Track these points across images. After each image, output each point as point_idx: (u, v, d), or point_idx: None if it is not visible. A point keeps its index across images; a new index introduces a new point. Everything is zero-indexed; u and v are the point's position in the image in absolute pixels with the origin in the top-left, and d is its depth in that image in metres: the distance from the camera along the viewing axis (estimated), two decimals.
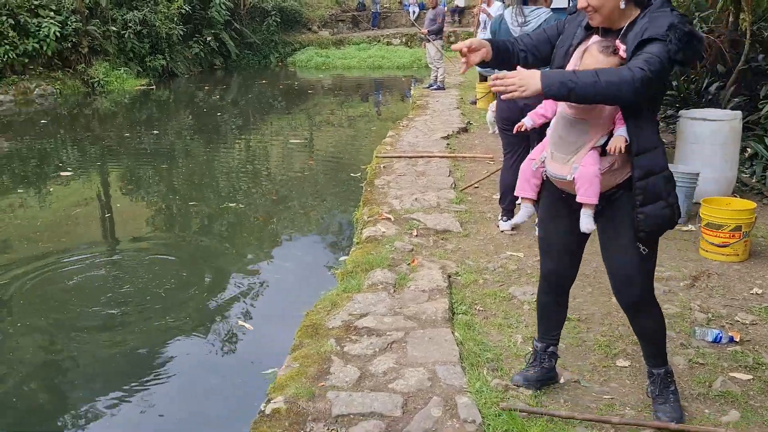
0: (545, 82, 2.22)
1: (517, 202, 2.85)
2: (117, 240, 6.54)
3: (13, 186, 8.46)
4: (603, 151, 2.48)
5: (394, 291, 3.96)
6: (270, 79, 20.42)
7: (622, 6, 2.37)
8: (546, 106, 2.69)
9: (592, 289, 4.02)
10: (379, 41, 23.94)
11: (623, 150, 2.39)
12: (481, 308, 3.81)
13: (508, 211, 5.00)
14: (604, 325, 3.60)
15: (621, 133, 2.40)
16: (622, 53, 2.34)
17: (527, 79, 2.23)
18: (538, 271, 4.13)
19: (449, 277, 4.18)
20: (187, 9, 20.20)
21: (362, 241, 4.92)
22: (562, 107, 2.53)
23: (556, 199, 2.68)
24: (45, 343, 4.27)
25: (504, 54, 2.56)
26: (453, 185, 6.16)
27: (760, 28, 7.57)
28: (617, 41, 2.39)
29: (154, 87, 18.12)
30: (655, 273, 4.16)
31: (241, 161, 10.11)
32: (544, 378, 2.97)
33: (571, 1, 4.94)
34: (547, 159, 2.60)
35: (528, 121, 2.74)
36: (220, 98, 17.01)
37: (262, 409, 2.82)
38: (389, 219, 5.26)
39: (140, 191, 8.38)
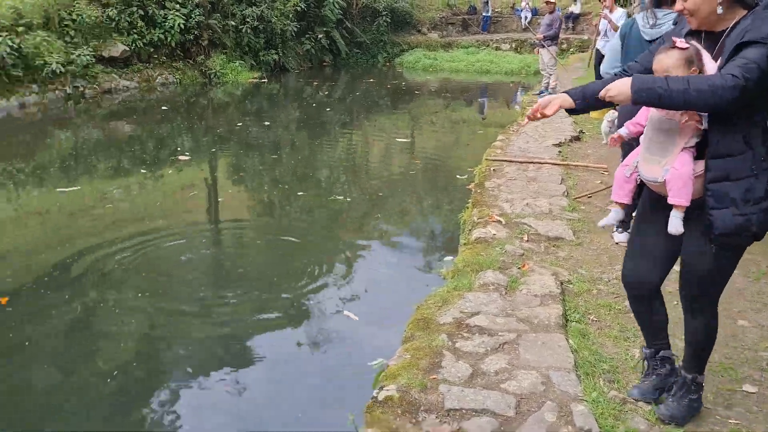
0: (635, 87, 2.24)
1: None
2: (225, 224, 6.81)
3: (133, 168, 8.99)
4: (699, 155, 2.43)
5: (506, 293, 3.92)
6: (377, 78, 20.69)
7: (720, 11, 2.31)
8: (641, 115, 2.65)
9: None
10: (488, 46, 23.75)
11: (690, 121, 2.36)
12: (595, 318, 3.70)
13: (625, 223, 4.84)
14: (729, 348, 3.42)
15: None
16: (680, 45, 2.33)
17: (621, 86, 2.28)
18: None
19: (562, 284, 4.09)
20: (302, 7, 20.79)
21: (471, 242, 4.89)
22: (653, 109, 2.50)
23: (650, 204, 2.66)
24: (148, 320, 4.49)
25: (595, 96, 2.47)
26: (565, 193, 6.02)
27: None
28: (674, 37, 2.39)
29: (265, 80, 18.78)
30: None
31: (346, 156, 10.31)
32: (661, 386, 2.88)
33: None
34: (640, 162, 2.57)
35: (624, 131, 2.73)
36: (327, 94, 17.39)
37: (375, 395, 2.86)
38: (500, 222, 5.21)
39: (250, 179, 8.70)
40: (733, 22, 2.33)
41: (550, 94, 12.26)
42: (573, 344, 3.32)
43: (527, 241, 4.86)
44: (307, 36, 21.71)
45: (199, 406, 3.51)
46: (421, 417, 2.69)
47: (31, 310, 4.56)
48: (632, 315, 3.70)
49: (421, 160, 9.85)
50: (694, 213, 2.46)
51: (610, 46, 5.38)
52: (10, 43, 12.90)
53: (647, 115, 2.58)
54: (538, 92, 12.84)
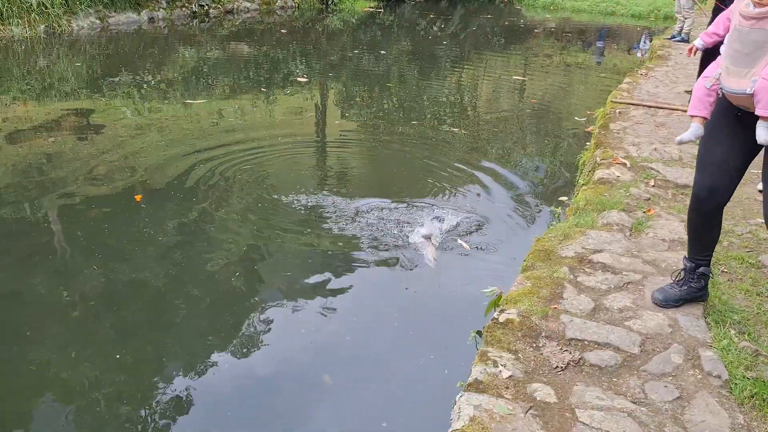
0: None
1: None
2: (341, 140, 6.91)
3: (252, 86, 9.23)
4: None
5: (630, 234, 3.79)
6: (494, 14, 20.07)
7: None
8: (718, 24, 2.52)
9: None
10: None
11: None
12: (725, 270, 3.53)
13: None
14: None
15: None
16: None
17: None
18: None
19: None
20: None
21: (594, 182, 4.73)
22: (738, 19, 2.39)
23: (727, 117, 2.60)
24: (253, 231, 4.64)
25: None
26: (699, 140, 5.67)
27: None
28: None
29: (381, 10, 18.61)
30: None
31: (459, 91, 10.14)
32: (688, 297, 2.95)
33: None
34: (723, 75, 2.48)
35: (699, 42, 2.65)
36: (442, 28, 17.06)
37: (496, 317, 2.87)
38: (624, 164, 5.00)
39: (366, 106, 8.74)
40: None
41: (682, 40, 11.50)
42: None
43: (654, 186, 4.65)
44: None
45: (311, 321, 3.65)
46: (541, 343, 2.69)
47: (160, 209, 4.86)
48: (766, 271, 3.55)
49: (537, 99, 9.55)
50: None
51: None
52: None
53: (724, 24, 2.49)
54: (669, 37, 12.05)
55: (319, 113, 8.17)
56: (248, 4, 16.43)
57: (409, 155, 6.40)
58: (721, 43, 2.60)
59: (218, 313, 3.61)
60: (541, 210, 5.19)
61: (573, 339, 2.71)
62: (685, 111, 6.66)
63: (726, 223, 4.12)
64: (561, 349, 2.65)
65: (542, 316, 2.87)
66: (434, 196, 5.25)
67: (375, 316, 3.64)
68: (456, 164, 6.10)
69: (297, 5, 17.57)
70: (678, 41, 11.60)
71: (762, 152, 2.63)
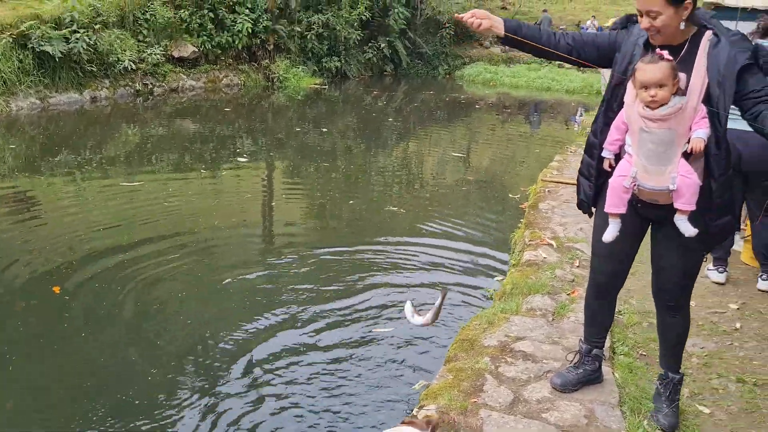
0: None
1: None
2: (275, 229, 6.92)
3: (193, 166, 9.25)
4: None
5: (553, 319, 3.87)
6: (436, 90, 20.73)
7: (682, 27, 2.48)
8: (620, 129, 2.66)
9: None
10: (550, 62, 23.49)
11: (701, 149, 2.45)
12: (644, 353, 3.63)
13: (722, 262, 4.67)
14: None
15: (700, 134, 2.45)
16: (667, 56, 2.44)
17: None
18: (710, 322, 3.92)
19: None
20: (367, 15, 21.02)
21: (521, 264, 4.85)
22: (643, 123, 2.53)
23: (628, 208, 2.71)
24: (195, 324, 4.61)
25: (531, 37, 2.69)
26: None
27: None
28: (658, 50, 2.48)
29: (326, 87, 19.04)
30: None
31: (401, 167, 10.36)
32: (584, 380, 3.08)
33: None
34: (641, 173, 2.59)
35: (609, 154, 2.72)
36: (386, 104, 17.51)
37: (414, 413, 2.86)
38: (551, 245, 5.15)
39: (307, 185, 8.83)
40: (686, 38, 2.52)
41: None
42: (619, 378, 3.26)
43: (578, 266, 4.79)
44: (369, 44, 21.93)
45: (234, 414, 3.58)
46: None
47: (82, 300, 4.75)
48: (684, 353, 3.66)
49: (475, 175, 9.82)
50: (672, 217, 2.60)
51: None
52: (87, 40, 13.44)
53: (620, 128, 2.63)
54: None
55: (256, 195, 8.20)
56: (193, 83, 16.60)
57: (344, 239, 6.46)
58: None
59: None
60: (476, 292, 5.25)
61: None
62: None
63: (646, 304, 4.26)
64: None
65: (461, 411, 2.88)
66: (367, 291, 5.23)
67: (306, 406, 3.59)
68: (393, 246, 6.17)
69: (243, 83, 17.83)
70: None
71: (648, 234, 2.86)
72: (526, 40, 2.70)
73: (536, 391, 3.07)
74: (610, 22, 12.06)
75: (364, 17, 20.88)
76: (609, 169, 2.75)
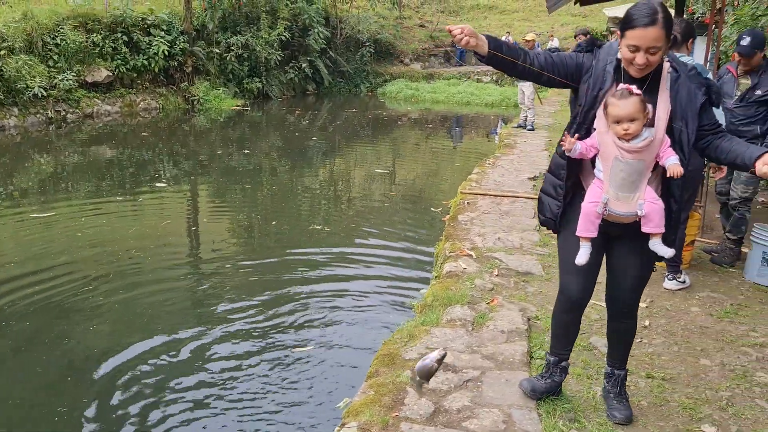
0: None
1: None
2: (196, 254, 6.79)
3: (109, 194, 8.97)
4: None
5: (473, 329, 3.94)
6: (359, 107, 20.88)
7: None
8: (590, 146, 2.73)
9: (679, 348, 3.87)
10: (469, 77, 24.11)
11: (681, 173, 2.59)
12: None
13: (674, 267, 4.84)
14: (690, 387, 3.45)
15: (675, 161, 2.59)
16: (636, 91, 2.54)
17: None
18: None
19: (529, 320, 4.12)
20: (287, 36, 21.01)
21: (442, 276, 4.93)
22: (619, 153, 2.64)
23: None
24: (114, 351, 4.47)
25: (509, 54, 2.68)
26: (537, 227, 6.09)
27: None
28: (624, 84, 2.57)
29: (248, 108, 18.88)
30: (748, 338, 4.03)
31: (326, 186, 10.37)
32: (551, 390, 3.18)
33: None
34: (611, 200, 2.72)
35: (579, 146, 2.74)
36: (309, 123, 17.51)
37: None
38: (470, 256, 5.25)
39: (228, 209, 8.71)
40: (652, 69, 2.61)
41: (530, 129, 12.46)
42: None
43: (497, 275, 4.91)
44: (291, 65, 21.91)
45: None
46: None
47: None
48: (596, 352, 3.80)
49: (398, 191, 9.92)
50: (630, 231, 2.77)
51: None
52: None
53: (593, 147, 2.71)
54: (516, 125, 13.02)
55: (177, 220, 8.02)
56: (109, 108, 16.15)
57: (268, 260, 6.40)
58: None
59: None
60: (400, 307, 5.29)
61: None
62: (528, 198, 7.17)
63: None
64: None
65: (383, 426, 2.89)
66: (289, 310, 5.20)
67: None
68: (319, 269, 6.16)
69: (161, 106, 17.46)
70: (529, 129, 12.55)
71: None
72: (509, 58, 2.69)
73: (456, 401, 3.11)
74: (529, 36, 12.49)
75: (283, 38, 20.88)
76: (566, 147, 2.76)
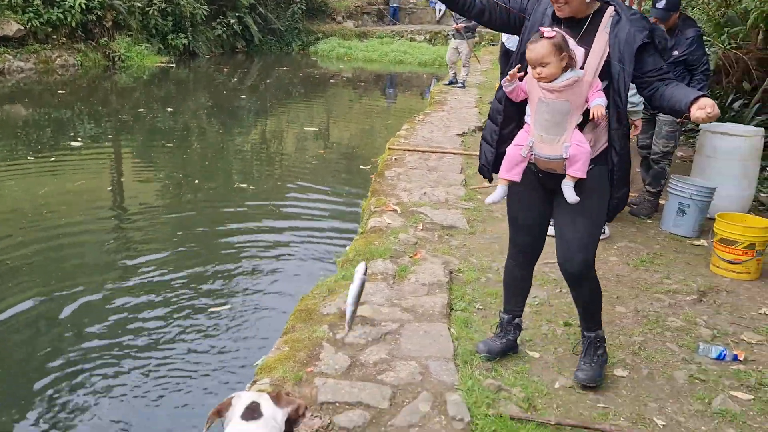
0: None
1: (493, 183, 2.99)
2: (117, 214, 6.48)
3: (24, 152, 8.46)
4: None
5: (394, 282, 3.88)
6: (291, 66, 20.36)
7: (587, 0, 2.57)
8: (519, 90, 2.72)
9: None
10: (402, 36, 23.82)
11: (603, 115, 2.56)
12: (480, 306, 3.72)
13: None
14: (605, 333, 3.50)
15: (599, 102, 2.55)
16: (547, 34, 2.50)
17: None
18: (544, 275, 4.09)
19: (451, 273, 4.09)
20: None
21: (366, 231, 4.84)
22: (542, 93, 2.62)
23: (531, 179, 2.82)
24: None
25: None
26: (464, 182, 6.07)
27: None
28: (544, 28, 2.55)
29: (173, 65, 18.10)
30: (662, 285, 4.11)
31: (254, 145, 10.07)
32: (507, 349, 3.16)
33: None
34: (536, 143, 2.69)
35: (518, 83, 2.71)
36: (239, 81, 16.97)
37: (247, 389, 2.75)
38: (396, 211, 5.18)
39: (149, 167, 8.36)
40: (591, 11, 2.61)
41: (461, 86, 12.42)
42: (455, 333, 3.32)
43: (422, 230, 4.86)
44: (218, 20, 21.05)
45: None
46: None
47: None
48: None
49: (329, 150, 9.75)
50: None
51: None
52: None
53: (522, 90, 2.70)
54: (447, 82, 12.94)
55: (92, 181, 7.63)
56: (22, 64, 15.16)
57: (189, 218, 6.17)
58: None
59: None
60: (326, 263, 5.19)
61: (325, 403, 2.67)
62: (456, 154, 7.14)
63: (485, 260, 4.40)
64: (311, 416, 2.58)
65: (296, 381, 2.80)
66: (211, 269, 5.03)
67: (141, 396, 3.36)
68: (241, 224, 5.97)
69: (80, 63, 16.53)
70: (460, 87, 12.50)
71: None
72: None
73: (374, 354, 3.06)
74: None
75: None
76: (506, 84, 2.72)
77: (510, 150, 2.79)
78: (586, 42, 2.59)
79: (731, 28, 7.87)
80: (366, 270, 2.56)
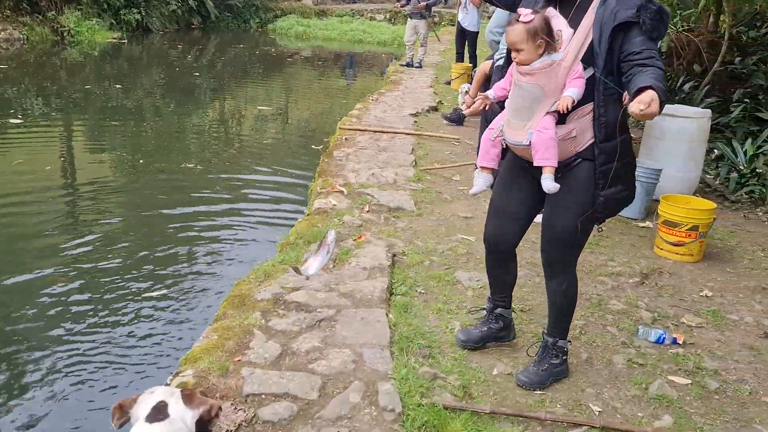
0: (661, 97, 2.17)
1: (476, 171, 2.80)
2: (53, 196, 6.21)
3: None
4: (562, 119, 2.48)
5: (334, 266, 3.76)
6: (248, 44, 19.95)
7: None
8: (506, 81, 2.65)
9: (540, 280, 3.82)
10: (362, 15, 23.53)
11: (569, 107, 2.39)
12: (422, 290, 3.63)
13: None
14: (546, 317, 3.44)
15: (570, 93, 2.39)
16: (523, 18, 2.37)
17: (656, 101, 2.14)
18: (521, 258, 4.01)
19: (394, 256, 3.99)
20: None
21: (311, 213, 4.71)
22: (517, 76, 2.51)
23: (516, 167, 2.70)
24: None
25: None
26: (413, 163, 5.96)
27: (739, 32, 7.47)
28: (519, 9, 2.43)
29: (125, 41, 17.56)
30: (606, 267, 4.08)
31: (206, 125, 9.80)
32: (488, 338, 3.03)
33: None
34: (505, 127, 2.59)
35: (491, 93, 2.71)
36: (193, 59, 16.54)
37: (168, 383, 2.61)
38: (342, 192, 5.05)
39: (94, 147, 8.07)
40: None
41: (418, 66, 12.27)
42: (393, 319, 3.22)
43: (368, 211, 4.74)
44: None
45: None
46: None
47: None
48: (459, 286, 3.72)
49: (283, 129, 9.55)
50: (561, 176, 2.51)
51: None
52: None
53: (511, 80, 2.58)
54: (404, 63, 12.79)
55: (30, 159, 7.32)
56: None
57: (131, 200, 5.94)
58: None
59: None
60: (267, 246, 5.04)
61: (250, 394, 2.54)
62: (408, 134, 7.02)
63: (430, 243, 4.31)
64: (235, 408, 2.46)
65: (222, 372, 2.67)
66: (148, 248, 4.85)
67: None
68: (185, 206, 5.77)
69: (26, 38, 15.90)
70: (417, 67, 12.36)
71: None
72: None
73: (306, 342, 2.94)
74: None
75: None
76: (486, 109, 2.68)
77: (484, 134, 2.72)
78: (576, 23, 2.43)
79: (684, 11, 7.88)
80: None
